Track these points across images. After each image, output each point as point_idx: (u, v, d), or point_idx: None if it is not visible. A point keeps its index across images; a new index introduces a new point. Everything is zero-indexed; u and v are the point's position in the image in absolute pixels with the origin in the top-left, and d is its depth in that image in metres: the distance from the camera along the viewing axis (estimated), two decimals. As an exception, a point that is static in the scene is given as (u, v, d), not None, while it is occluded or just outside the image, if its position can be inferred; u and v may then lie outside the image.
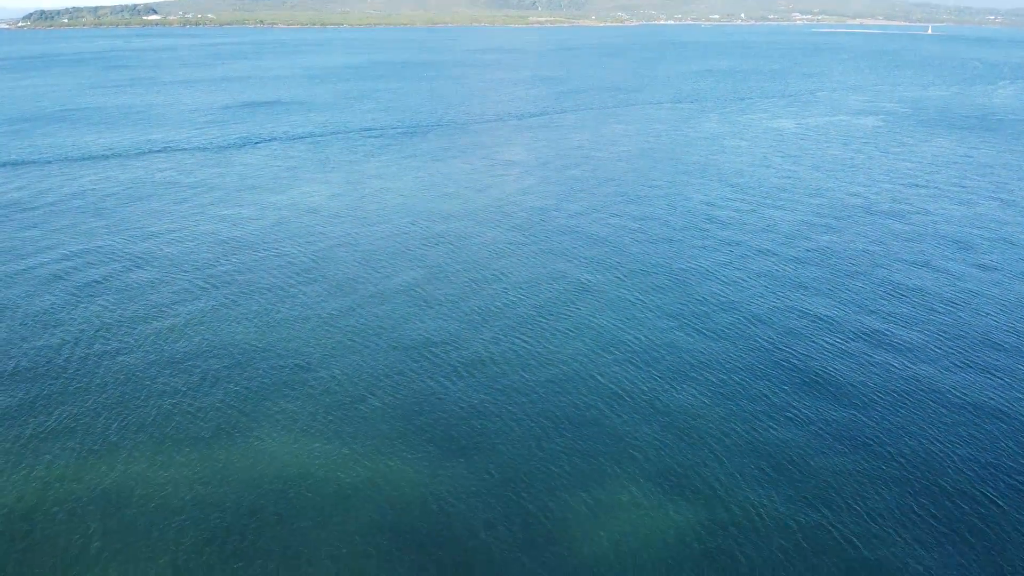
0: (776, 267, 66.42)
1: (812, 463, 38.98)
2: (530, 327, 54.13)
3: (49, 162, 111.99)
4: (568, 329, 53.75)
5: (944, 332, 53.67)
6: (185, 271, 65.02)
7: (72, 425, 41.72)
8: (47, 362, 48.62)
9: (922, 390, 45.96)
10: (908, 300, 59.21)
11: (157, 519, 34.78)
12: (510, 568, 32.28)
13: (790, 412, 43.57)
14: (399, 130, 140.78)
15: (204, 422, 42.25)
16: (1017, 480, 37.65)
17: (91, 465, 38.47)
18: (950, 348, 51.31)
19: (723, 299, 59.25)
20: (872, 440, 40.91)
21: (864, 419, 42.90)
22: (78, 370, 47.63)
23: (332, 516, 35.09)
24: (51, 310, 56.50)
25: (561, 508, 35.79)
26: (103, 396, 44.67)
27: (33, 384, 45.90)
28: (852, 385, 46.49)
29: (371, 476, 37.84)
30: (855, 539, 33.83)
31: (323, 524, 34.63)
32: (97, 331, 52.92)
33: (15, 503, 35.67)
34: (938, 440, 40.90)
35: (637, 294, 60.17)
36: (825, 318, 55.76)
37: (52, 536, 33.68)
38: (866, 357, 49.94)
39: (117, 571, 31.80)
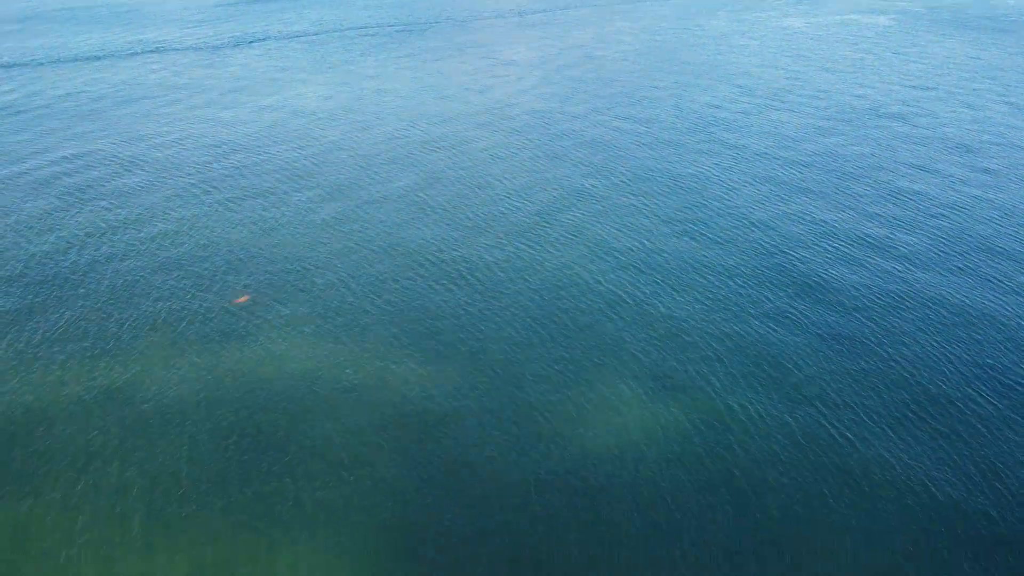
0: (779, 171, 65.91)
1: (810, 364, 39.71)
2: (530, 232, 54.13)
3: (40, 64, 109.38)
4: (567, 234, 53.76)
5: (944, 237, 53.76)
6: (180, 175, 64.49)
7: (80, 328, 42.25)
8: (48, 267, 48.78)
9: (920, 294, 46.38)
10: (910, 204, 59.04)
11: (171, 416, 35.66)
12: (513, 460, 33.32)
13: (789, 315, 44.09)
14: (396, 28, 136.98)
15: (210, 324, 42.77)
16: (1011, 381, 38.46)
17: (102, 366, 39.16)
18: (949, 253, 51.50)
19: (724, 204, 59.05)
20: (869, 342, 41.55)
21: (862, 322, 43.45)
22: (80, 274, 47.86)
23: (340, 411, 35.97)
24: (48, 215, 56.31)
25: (563, 404, 36.66)
26: (108, 300, 45.05)
27: (39, 289, 46.20)
28: (851, 289, 46.88)
29: (376, 375, 38.61)
30: (851, 436, 34.80)
31: (332, 418, 35.53)
32: (95, 235, 52.89)
33: (31, 404, 36.47)
34: (935, 343, 41.55)
35: (638, 199, 59.90)
36: (826, 223, 55.73)
37: (69, 435, 34.57)
38: (866, 262, 50.18)
39: (135, 466, 32.79)
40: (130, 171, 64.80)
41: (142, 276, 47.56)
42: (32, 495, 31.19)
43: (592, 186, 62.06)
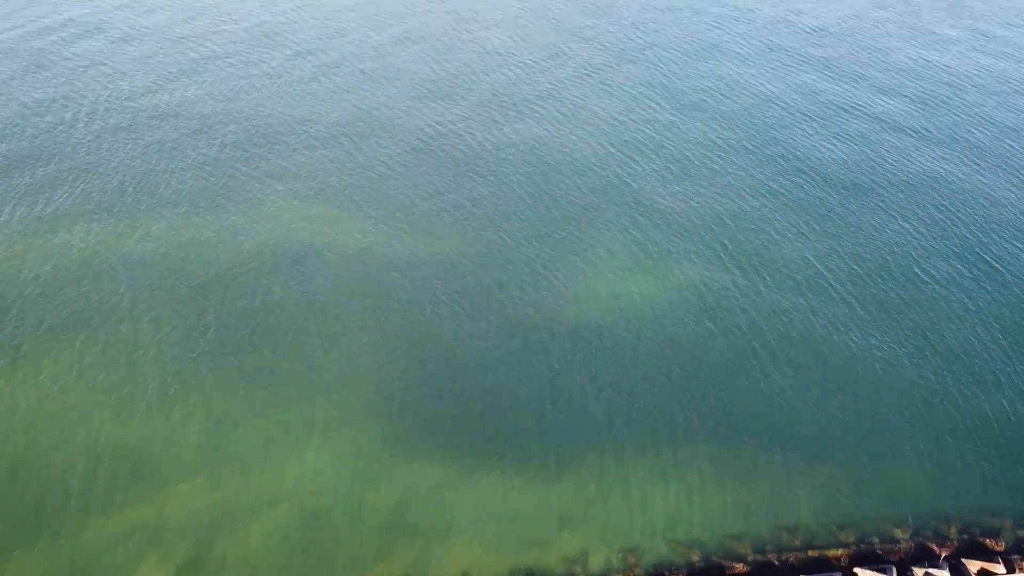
0: (792, 41, 63.85)
1: (802, 246, 39.97)
2: (533, 107, 53.28)
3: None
4: (570, 112, 52.86)
5: (943, 109, 52.79)
6: (175, 43, 62.82)
7: (93, 199, 42.15)
8: (55, 142, 48.37)
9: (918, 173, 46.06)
10: (920, 78, 57.62)
11: (183, 277, 36.31)
12: (520, 314, 34.17)
13: (789, 191, 44.01)
14: None
15: (218, 191, 42.82)
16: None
17: (118, 232, 39.32)
18: (950, 125, 50.72)
19: (732, 79, 57.68)
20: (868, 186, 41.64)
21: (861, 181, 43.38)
22: (87, 149, 47.43)
23: (342, 279, 36.63)
24: (46, 92, 55.48)
25: (567, 269, 37.23)
26: (118, 172, 44.80)
27: (48, 165, 45.88)
28: (847, 162, 46.56)
29: (384, 237, 39.02)
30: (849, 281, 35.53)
31: (333, 283, 36.23)
32: (98, 109, 52.22)
33: (53, 270, 36.81)
34: (905, 226, 41.63)
35: (644, 71, 58.47)
36: (839, 98, 54.62)
37: (88, 294, 35.21)
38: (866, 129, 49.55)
39: (151, 321, 33.68)
40: (126, 41, 63.29)
41: (144, 148, 47.23)
42: (50, 355, 32.24)
43: (598, 61, 60.50)
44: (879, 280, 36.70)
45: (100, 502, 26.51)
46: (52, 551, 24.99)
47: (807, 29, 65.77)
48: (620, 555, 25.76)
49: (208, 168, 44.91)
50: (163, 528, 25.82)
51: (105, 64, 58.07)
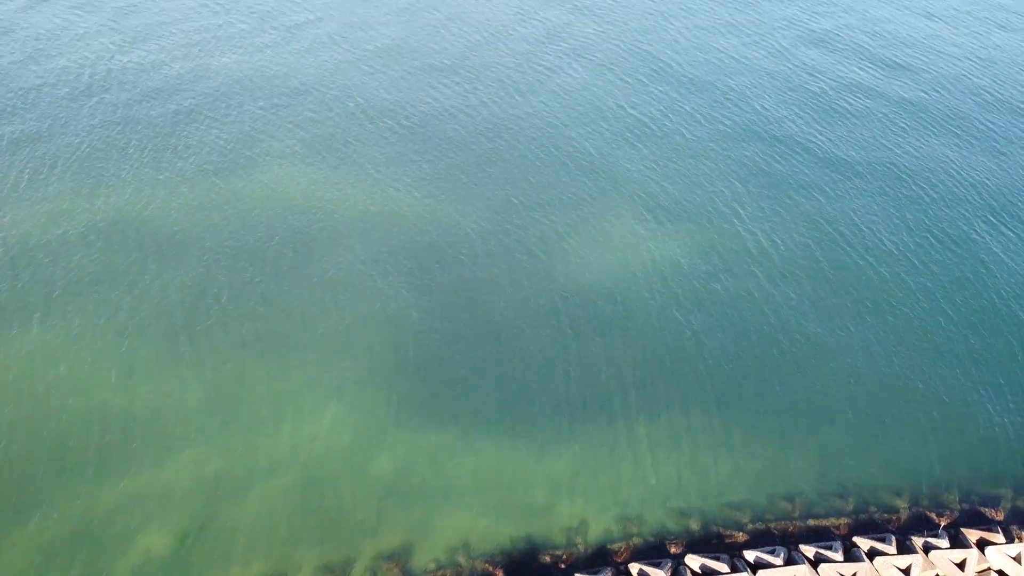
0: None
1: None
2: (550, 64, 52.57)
3: None
4: (573, 68, 52.15)
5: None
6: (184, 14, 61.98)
7: (78, 160, 41.80)
8: (42, 101, 47.91)
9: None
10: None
11: (172, 241, 36.03)
12: (520, 276, 34.10)
13: (786, 154, 43.53)
14: None
15: (208, 155, 42.28)
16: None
17: (101, 195, 38.79)
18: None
19: (739, 52, 56.77)
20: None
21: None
22: (74, 108, 46.97)
23: (349, 239, 36.43)
24: (32, 54, 54.90)
25: (579, 235, 37.04)
26: (101, 133, 44.29)
27: (34, 123, 45.50)
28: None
29: (382, 201, 38.77)
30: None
31: (341, 245, 36.03)
32: (85, 69, 51.57)
33: (30, 231, 36.56)
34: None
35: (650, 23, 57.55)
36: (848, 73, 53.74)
37: (97, 260, 34.96)
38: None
39: (158, 288, 33.61)
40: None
41: (129, 110, 46.69)
42: (58, 320, 32.27)
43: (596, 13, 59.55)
44: (885, 244, 36.46)
45: (104, 469, 26.70)
46: (56, 519, 25.23)
47: None
48: (619, 523, 25.95)
49: (215, 132, 44.48)
50: (167, 495, 26.04)
51: (119, 33, 57.40)
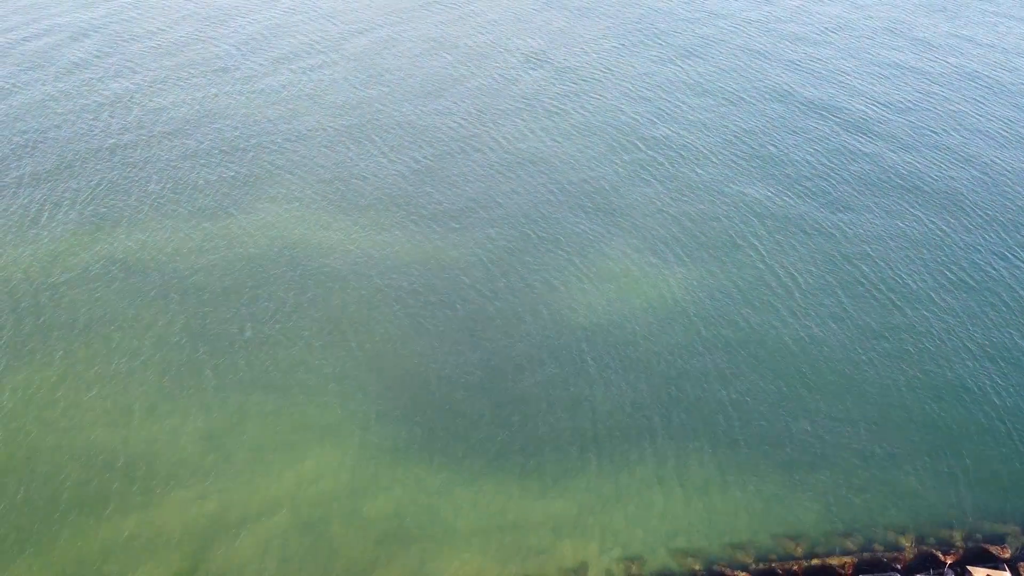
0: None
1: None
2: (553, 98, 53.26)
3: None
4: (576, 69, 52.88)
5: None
6: (147, 40, 62.79)
7: (76, 200, 42.00)
8: (42, 139, 48.21)
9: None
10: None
11: (170, 281, 36.18)
12: (517, 321, 34.04)
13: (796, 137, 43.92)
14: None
15: (206, 195, 42.61)
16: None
17: (100, 236, 39.06)
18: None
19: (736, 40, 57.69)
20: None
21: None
22: (74, 148, 47.19)
23: (348, 277, 36.51)
24: (40, 92, 55.55)
25: (569, 273, 37.13)
26: (101, 173, 44.56)
27: (33, 160, 45.72)
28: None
29: (378, 241, 38.91)
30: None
31: (340, 284, 36.04)
32: (86, 110, 52.02)
33: (28, 268, 36.64)
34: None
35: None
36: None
37: (87, 301, 34.98)
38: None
39: (150, 328, 33.54)
40: (83, 37, 63.41)
41: (127, 150, 46.84)
42: (49, 360, 32.07)
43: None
44: (883, 287, 36.57)
45: (96, 510, 26.31)
46: (48, 559, 24.78)
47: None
48: (621, 564, 25.48)
49: (219, 173, 44.77)
50: (160, 536, 25.61)
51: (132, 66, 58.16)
